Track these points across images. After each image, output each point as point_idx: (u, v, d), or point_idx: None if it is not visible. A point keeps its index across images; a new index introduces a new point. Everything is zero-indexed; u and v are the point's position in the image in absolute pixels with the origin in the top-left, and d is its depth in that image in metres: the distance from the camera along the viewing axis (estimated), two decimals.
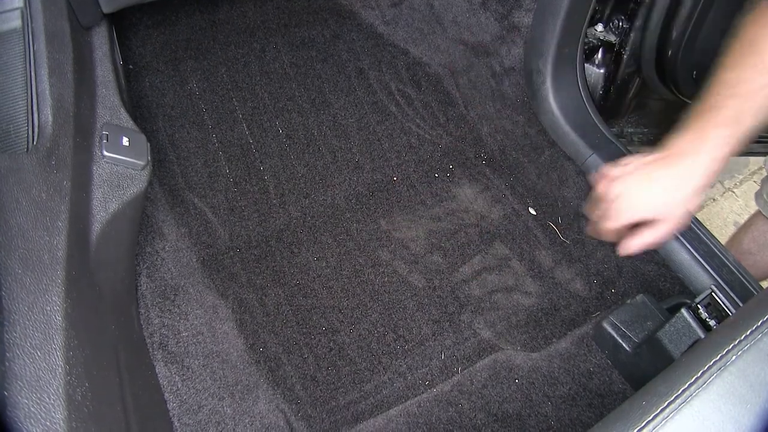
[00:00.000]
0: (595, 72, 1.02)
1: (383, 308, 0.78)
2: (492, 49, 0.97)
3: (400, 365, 0.74)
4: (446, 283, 0.82)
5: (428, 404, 0.72)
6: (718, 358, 0.37)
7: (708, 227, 1.31)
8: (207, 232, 0.80)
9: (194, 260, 0.78)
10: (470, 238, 0.86)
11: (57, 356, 0.32)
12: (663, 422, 0.33)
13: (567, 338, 0.79)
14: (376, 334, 0.76)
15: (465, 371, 0.74)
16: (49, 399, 0.30)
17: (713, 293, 0.74)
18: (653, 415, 0.33)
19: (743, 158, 1.43)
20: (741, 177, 1.47)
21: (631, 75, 1.03)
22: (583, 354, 0.78)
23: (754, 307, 0.41)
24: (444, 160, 0.94)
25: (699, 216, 1.32)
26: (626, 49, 0.99)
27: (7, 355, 0.30)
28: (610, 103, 1.05)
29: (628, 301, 0.80)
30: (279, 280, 0.79)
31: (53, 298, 0.35)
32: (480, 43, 0.98)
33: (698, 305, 0.73)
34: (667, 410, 0.33)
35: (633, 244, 0.69)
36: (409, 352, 0.75)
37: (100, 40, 0.63)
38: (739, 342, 0.38)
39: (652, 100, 1.06)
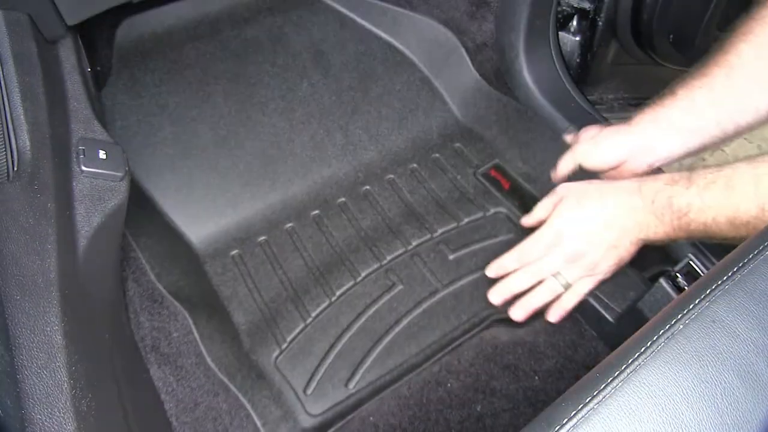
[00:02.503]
0: (571, 40, 1.07)
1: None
2: (463, 27, 1.01)
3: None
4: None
5: (418, 385, 0.78)
6: (666, 327, 0.43)
7: None
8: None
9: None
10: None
11: (62, 373, 0.38)
12: (613, 391, 0.39)
13: None
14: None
15: (452, 351, 0.80)
16: (59, 413, 0.36)
17: (690, 261, 0.80)
18: (605, 384, 0.39)
19: None
20: None
21: (607, 41, 1.07)
22: (568, 327, 0.85)
23: (707, 278, 0.47)
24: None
25: None
26: (601, 15, 1.04)
27: (18, 377, 0.35)
28: (588, 70, 1.10)
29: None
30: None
31: (52, 319, 0.40)
32: (450, 20, 1.02)
33: (677, 273, 0.79)
34: (618, 379, 0.39)
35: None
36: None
37: (67, 52, 0.67)
38: (688, 311, 0.44)
39: (631, 65, 1.10)
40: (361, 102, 1.00)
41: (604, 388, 0.39)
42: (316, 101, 0.99)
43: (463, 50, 1.01)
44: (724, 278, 0.46)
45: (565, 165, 0.82)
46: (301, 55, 1.01)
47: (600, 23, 1.04)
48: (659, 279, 0.78)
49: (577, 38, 1.06)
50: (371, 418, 0.76)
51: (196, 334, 0.73)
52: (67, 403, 0.36)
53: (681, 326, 0.43)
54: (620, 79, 1.13)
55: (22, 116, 0.51)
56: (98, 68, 0.89)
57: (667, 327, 0.43)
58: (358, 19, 1.05)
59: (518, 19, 0.95)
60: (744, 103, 0.72)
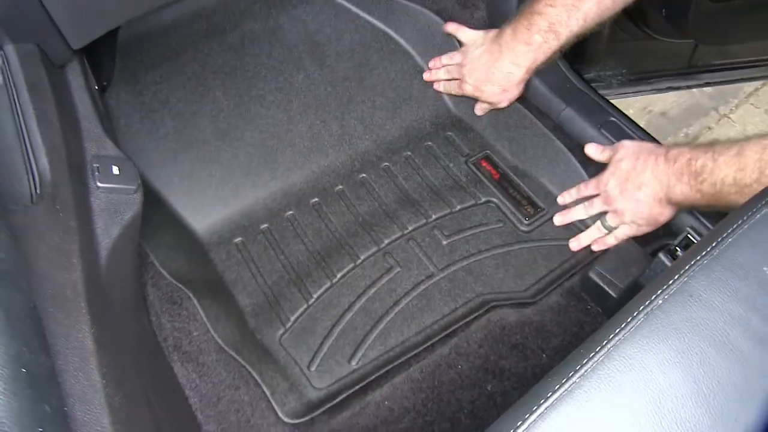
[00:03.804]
0: None
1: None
2: (456, 15, 1.05)
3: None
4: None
5: (429, 369, 0.83)
6: (646, 303, 0.47)
7: None
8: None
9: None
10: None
11: (95, 374, 0.43)
12: (595, 365, 0.43)
13: (557, 291, 0.90)
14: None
15: (461, 333, 0.85)
16: (96, 409, 0.41)
17: (689, 234, 0.83)
18: (587, 359, 0.43)
19: (737, 84, 1.49)
20: (736, 101, 1.53)
21: None
22: (573, 305, 0.89)
23: (687, 254, 0.51)
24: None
25: None
26: None
27: (58, 380, 0.40)
28: (585, 49, 1.12)
29: (611, 249, 0.90)
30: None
31: (82, 327, 0.46)
32: (443, 9, 1.05)
33: (676, 247, 0.83)
34: (599, 354, 0.43)
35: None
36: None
37: (74, 74, 0.72)
38: (667, 287, 0.48)
39: (627, 41, 1.13)
40: (356, 92, 1.05)
41: (586, 362, 0.43)
42: (313, 92, 1.04)
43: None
44: (703, 254, 0.50)
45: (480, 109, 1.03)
46: (297, 47, 1.05)
47: None
48: (658, 253, 0.81)
49: None
50: (386, 402, 0.81)
51: (202, 314, 0.78)
52: (102, 400, 0.42)
53: (660, 301, 0.47)
54: (618, 56, 1.15)
55: (39, 142, 0.56)
56: (105, 83, 0.94)
57: (646, 303, 0.47)
58: (353, 8, 1.08)
59: (509, 6, 0.98)
60: None
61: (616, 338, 0.45)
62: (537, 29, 0.89)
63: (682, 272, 0.49)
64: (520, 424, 0.41)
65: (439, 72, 1.05)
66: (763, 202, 0.52)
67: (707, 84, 1.16)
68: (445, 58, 1.05)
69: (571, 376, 0.43)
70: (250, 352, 0.81)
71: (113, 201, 0.64)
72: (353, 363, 0.82)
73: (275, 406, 0.77)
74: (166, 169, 0.94)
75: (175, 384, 0.75)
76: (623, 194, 0.86)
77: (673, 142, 1.39)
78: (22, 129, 0.57)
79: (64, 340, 0.44)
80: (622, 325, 0.45)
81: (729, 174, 0.72)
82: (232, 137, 0.98)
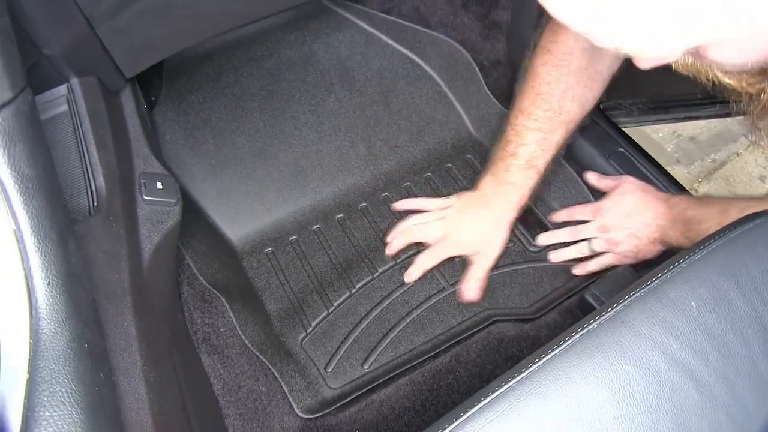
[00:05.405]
0: None
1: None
2: (478, 47, 1.18)
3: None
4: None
5: (431, 374, 0.96)
6: (583, 326, 0.59)
7: (732, 184, 1.47)
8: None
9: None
10: None
11: (136, 355, 0.59)
12: (529, 374, 0.56)
13: (555, 310, 1.02)
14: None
15: (463, 343, 0.99)
16: (135, 381, 0.57)
17: None
18: (524, 368, 0.56)
19: None
20: None
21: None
22: (569, 323, 1.00)
23: (629, 288, 0.63)
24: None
25: (722, 172, 1.47)
26: None
27: (109, 356, 0.56)
28: None
29: (608, 273, 1.01)
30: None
31: (127, 317, 0.62)
32: (466, 41, 1.19)
33: None
34: (535, 365, 0.56)
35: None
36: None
37: (127, 99, 0.89)
38: (604, 314, 0.60)
39: (644, 71, 1.22)
40: (383, 115, 1.19)
41: (524, 371, 0.56)
42: (342, 115, 1.19)
43: (476, 69, 1.18)
44: (643, 287, 0.62)
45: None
46: (329, 72, 1.21)
47: None
48: None
49: None
50: (389, 401, 0.95)
51: (233, 317, 0.94)
52: (140, 375, 0.58)
53: (595, 325, 0.59)
54: (639, 83, 1.25)
55: (97, 163, 0.73)
56: (153, 98, 1.12)
57: (584, 326, 0.59)
58: (382, 36, 1.23)
59: (527, 38, 1.10)
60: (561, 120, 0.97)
61: (552, 353, 0.57)
62: (516, 168, 0.97)
63: (620, 302, 0.61)
64: (461, 415, 0.54)
65: (398, 241, 1.06)
66: (702, 247, 0.63)
67: (727, 114, 1.24)
68: (402, 226, 1.06)
69: (509, 380, 0.56)
70: (274, 353, 0.96)
71: (156, 212, 0.81)
72: (365, 366, 0.97)
73: (292, 402, 0.92)
74: (206, 182, 1.10)
75: (201, 371, 0.91)
76: (622, 227, 0.98)
77: (700, 167, 1.48)
78: (83, 152, 0.74)
79: (113, 326, 0.60)
80: (560, 343, 0.58)
81: (713, 227, 0.82)
82: (267, 155, 1.14)
